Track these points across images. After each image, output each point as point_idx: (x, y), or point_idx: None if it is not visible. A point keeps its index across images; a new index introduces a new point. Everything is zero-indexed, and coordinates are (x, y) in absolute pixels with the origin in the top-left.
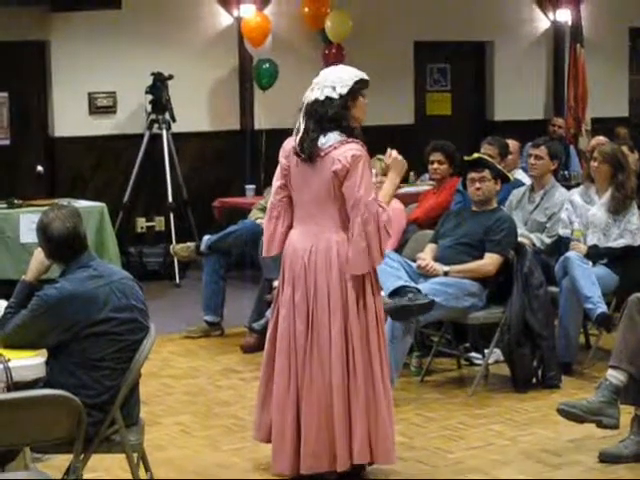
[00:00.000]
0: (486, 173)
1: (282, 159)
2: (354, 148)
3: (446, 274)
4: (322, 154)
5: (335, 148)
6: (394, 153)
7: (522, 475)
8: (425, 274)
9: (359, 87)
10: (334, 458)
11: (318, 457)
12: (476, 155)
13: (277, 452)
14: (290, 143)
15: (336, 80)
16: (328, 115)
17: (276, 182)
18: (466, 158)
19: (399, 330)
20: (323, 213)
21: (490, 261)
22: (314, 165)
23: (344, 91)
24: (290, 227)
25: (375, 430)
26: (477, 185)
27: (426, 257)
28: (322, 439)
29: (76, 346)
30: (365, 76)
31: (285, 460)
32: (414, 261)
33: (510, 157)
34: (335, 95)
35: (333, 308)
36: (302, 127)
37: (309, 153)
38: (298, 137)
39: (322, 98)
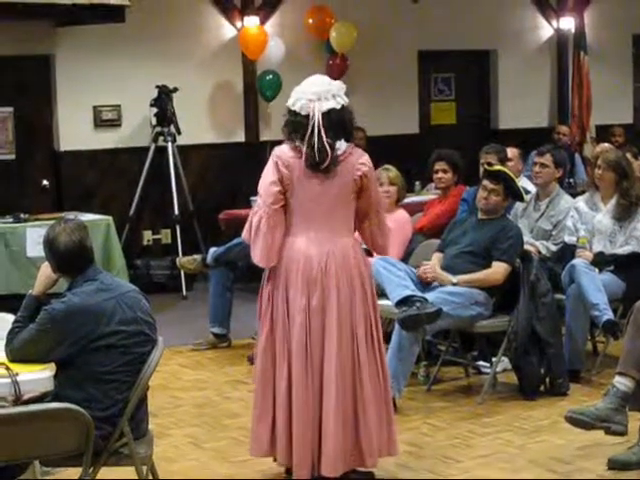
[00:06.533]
0: (499, 187)
1: (282, 169)
2: (364, 155)
3: (454, 285)
4: (338, 160)
5: (350, 154)
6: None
7: None
8: (425, 282)
9: None
10: (357, 457)
11: (343, 458)
12: (499, 167)
13: (301, 457)
14: (287, 153)
15: (334, 89)
16: (352, 122)
17: (274, 190)
18: (487, 168)
19: (406, 339)
20: (336, 218)
21: (498, 270)
22: (329, 173)
23: (346, 98)
24: (283, 236)
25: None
26: (485, 195)
27: (434, 266)
28: (346, 439)
29: (84, 359)
30: None
31: (308, 464)
32: None
33: (510, 164)
34: (345, 102)
35: (358, 308)
36: (324, 139)
37: (329, 163)
38: (316, 149)
39: (339, 107)
